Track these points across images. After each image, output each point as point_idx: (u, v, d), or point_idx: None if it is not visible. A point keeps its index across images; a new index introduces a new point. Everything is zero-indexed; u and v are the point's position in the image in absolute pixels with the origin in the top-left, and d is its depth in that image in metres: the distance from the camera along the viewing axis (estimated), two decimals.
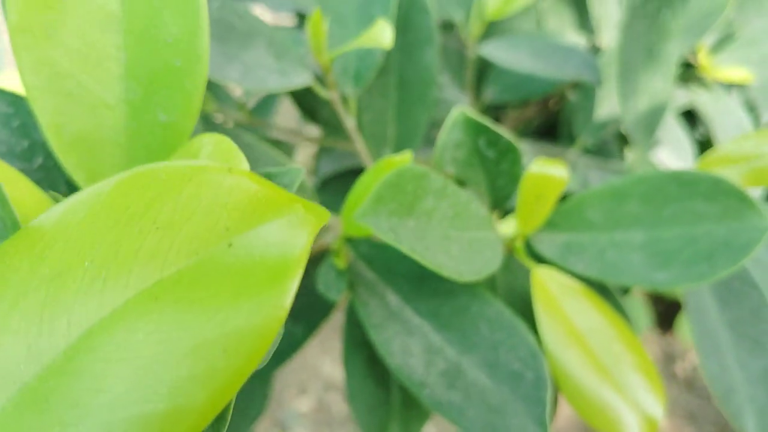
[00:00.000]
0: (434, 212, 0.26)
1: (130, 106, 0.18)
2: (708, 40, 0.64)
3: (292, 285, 0.10)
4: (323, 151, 0.53)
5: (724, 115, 0.58)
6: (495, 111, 0.54)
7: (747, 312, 0.34)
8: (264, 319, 0.10)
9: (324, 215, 0.11)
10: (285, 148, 0.43)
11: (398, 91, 0.37)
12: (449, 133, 0.29)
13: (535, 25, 0.48)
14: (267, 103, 0.50)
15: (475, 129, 0.29)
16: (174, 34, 0.18)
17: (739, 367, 0.33)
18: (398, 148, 0.38)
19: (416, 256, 0.23)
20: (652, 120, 0.35)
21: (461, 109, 0.28)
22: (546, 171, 0.28)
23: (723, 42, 0.61)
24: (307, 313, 0.36)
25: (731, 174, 0.34)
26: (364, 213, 0.23)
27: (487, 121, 0.28)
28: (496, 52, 0.41)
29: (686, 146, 0.50)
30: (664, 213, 0.29)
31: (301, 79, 0.31)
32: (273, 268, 0.10)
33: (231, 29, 0.29)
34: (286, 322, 0.36)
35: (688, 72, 0.61)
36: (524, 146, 0.50)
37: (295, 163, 0.41)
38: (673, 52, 0.35)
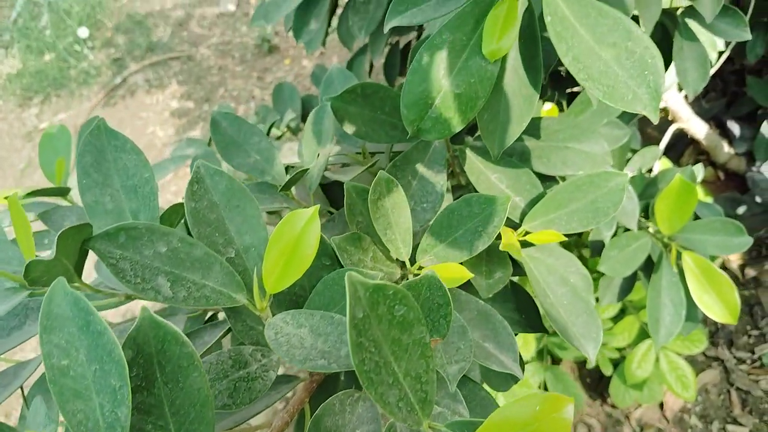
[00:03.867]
0: None
1: None
2: (521, 202, 0.67)
3: None
4: None
5: (548, 275, 0.61)
6: None
7: None
8: None
9: None
10: None
11: (175, 418, 0.36)
12: None
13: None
14: None
15: None
16: None
17: None
18: None
19: None
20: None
21: None
22: None
23: (533, 203, 0.64)
24: None
25: None
26: None
27: None
28: (282, 330, 0.41)
29: (510, 340, 0.51)
30: None
31: None
32: None
33: None
34: None
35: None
36: None
37: None
38: (423, 334, 0.35)
